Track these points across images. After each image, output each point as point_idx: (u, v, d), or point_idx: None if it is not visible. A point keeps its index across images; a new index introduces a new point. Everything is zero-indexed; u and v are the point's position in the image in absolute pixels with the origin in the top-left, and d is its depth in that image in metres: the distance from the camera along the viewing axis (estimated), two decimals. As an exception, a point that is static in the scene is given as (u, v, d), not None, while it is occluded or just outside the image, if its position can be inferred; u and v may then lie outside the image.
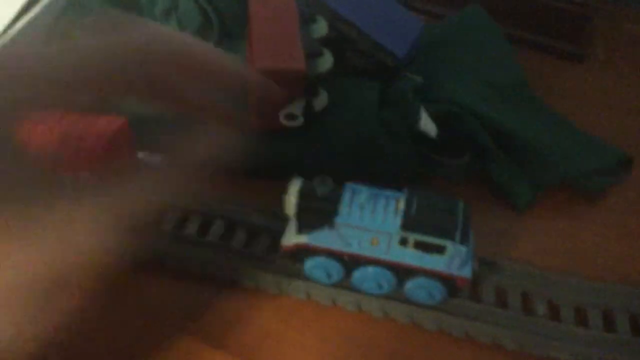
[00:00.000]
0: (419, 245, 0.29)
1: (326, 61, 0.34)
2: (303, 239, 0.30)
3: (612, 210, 0.38)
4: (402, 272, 0.30)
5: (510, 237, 0.36)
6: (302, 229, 0.30)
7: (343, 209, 0.30)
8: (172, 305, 0.32)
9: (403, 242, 0.29)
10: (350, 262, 0.31)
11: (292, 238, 0.31)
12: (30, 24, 0.36)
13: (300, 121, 0.34)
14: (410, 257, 0.30)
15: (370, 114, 0.36)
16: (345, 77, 0.38)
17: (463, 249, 0.29)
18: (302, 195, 0.30)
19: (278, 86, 0.32)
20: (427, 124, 0.36)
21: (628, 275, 0.34)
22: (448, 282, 0.30)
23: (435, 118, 0.37)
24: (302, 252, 0.31)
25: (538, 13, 0.50)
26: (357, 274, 0.31)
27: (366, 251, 0.30)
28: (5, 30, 0.35)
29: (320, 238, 0.30)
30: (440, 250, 0.29)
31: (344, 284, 0.32)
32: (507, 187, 0.38)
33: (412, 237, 0.29)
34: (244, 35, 0.44)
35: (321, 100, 0.36)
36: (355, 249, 0.30)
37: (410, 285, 0.31)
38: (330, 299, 0.32)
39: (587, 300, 0.32)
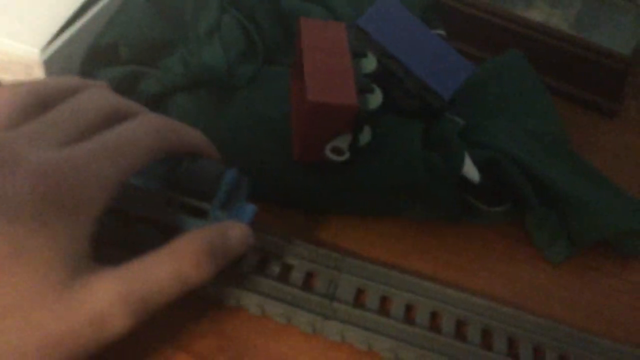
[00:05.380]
0: (184, 207, 0.29)
1: (376, 98, 0.34)
2: None
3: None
4: (171, 235, 0.29)
5: (540, 289, 0.36)
6: None
7: None
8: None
9: (169, 202, 0.29)
10: (125, 220, 0.30)
11: None
12: (78, 33, 0.35)
13: (346, 156, 0.33)
14: (177, 219, 0.30)
15: (414, 154, 0.36)
16: (388, 115, 0.38)
17: (223, 215, 0.29)
18: None
19: (330, 119, 0.32)
20: (470, 170, 0.36)
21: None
22: None
23: (475, 163, 0.37)
24: None
25: (573, 64, 0.50)
26: (132, 231, 0.31)
27: (137, 209, 0.30)
28: (52, 41, 0.34)
29: None
30: (203, 214, 0.29)
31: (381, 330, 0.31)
32: (544, 240, 0.37)
33: (177, 198, 0.29)
34: (284, 62, 0.44)
35: (365, 137, 0.35)
36: (126, 206, 0.30)
37: None
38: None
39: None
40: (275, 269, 0.34)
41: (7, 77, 0.34)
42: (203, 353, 0.30)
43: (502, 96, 0.44)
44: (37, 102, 0.25)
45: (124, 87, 0.37)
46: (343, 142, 0.34)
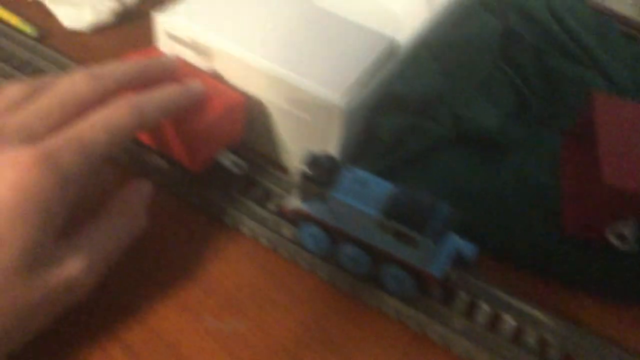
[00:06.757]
0: (395, 234, 0.31)
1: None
2: (300, 205, 0.34)
3: None
4: (378, 257, 0.33)
5: None
6: (301, 196, 0.34)
7: (338, 185, 0.32)
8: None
9: (382, 227, 0.31)
10: (337, 236, 0.34)
11: (293, 203, 0.34)
12: (376, 83, 0.37)
13: (630, 248, 0.32)
14: (386, 244, 0.32)
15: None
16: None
17: (432, 245, 0.30)
18: (307, 165, 0.32)
19: (622, 204, 0.31)
20: None
21: None
22: (418, 276, 0.32)
23: None
24: (298, 218, 0.34)
25: None
26: (341, 249, 0.34)
27: (350, 229, 0.33)
28: (353, 89, 0.37)
29: (315, 208, 0.33)
30: (412, 242, 0.31)
31: None
32: None
33: (390, 225, 0.31)
34: (551, 125, 0.43)
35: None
36: (341, 224, 0.33)
37: (384, 271, 0.33)
38: None
39: None
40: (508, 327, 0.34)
41: (307, 116, 0.37)
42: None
43: None
44: (28, 94, 0.30)
45: (402, 137, 0.38)
46: (627, 228, 0.32)
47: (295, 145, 0.40)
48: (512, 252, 0.37)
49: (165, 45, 0.41)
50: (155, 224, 0.37)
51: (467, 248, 0.34)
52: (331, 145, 0.38)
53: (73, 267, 0.28)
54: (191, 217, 0.38)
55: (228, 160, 0.38)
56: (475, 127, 0.40)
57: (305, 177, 0.33)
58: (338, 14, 0.41)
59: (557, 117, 0.43)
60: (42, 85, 0.31)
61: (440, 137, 0.40)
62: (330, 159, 0.33)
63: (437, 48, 0.42)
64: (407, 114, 0.39)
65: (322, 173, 0.33)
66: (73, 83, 0.30)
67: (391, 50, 0.39)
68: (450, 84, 0.42)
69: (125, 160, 0.40)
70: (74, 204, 0.28)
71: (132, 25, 0.52)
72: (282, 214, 0.36)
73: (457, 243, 0.33)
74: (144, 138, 0.38)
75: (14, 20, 0.49)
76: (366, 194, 0.32)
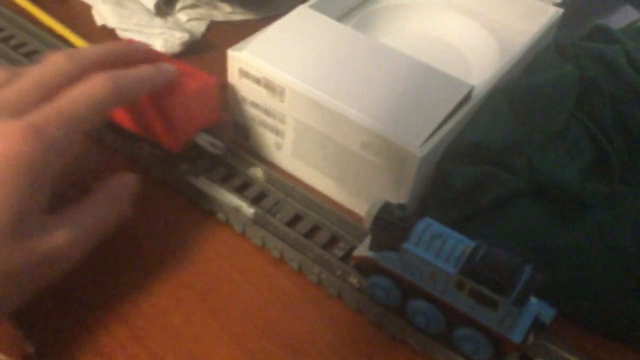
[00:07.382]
0: (474, 294, 0.29)
1: None
2: (371, 255, 0.32)
3: None
4: (452, 316, 0.31)
5: None
6: (373, 245, 0.32)
7: (413, 237, 0.31)
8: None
9: (459, 286, 0.30)
10: (408, 290, 0.32)
11: (363, 251, 0.33)
12: (449, 132, 0.37)
13: None
14: (463, 303, 0.30)
15: None
16: None
17: (515, 310, 0.28)
18: (380, 213, 0.31)
19: None
20: None
21: None
22: (495, 341, 0.30)
23: None
24: (368, 267, 0.33)
25: None
26: (411, 304, 0.32)
27: (423, 284, 0.31)
28: (428, 139, 0.36)
29: (387, 258, 0.32)
30: (493, 304, 0.29)
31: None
32: None
33: (469, 284, 0.29)
34: (629, 181, 0.41)
35: None
36: (414, 278, 0.31)
37: (458, 332, 0.31)
38: None
39: None
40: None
41: (379, 161, 0.36)
42: None
43: None
44: (8, 77, 0.31)
45: (476, 187, 0.37)
46: None
47: (364, 190, 0.39)
48: (593, 318, 0.35)
49: (236, 81, 0.41)
50: (220, 263, 0.37)
51: (546, 311, 0.32)
52: (402, 192, 0.37)
53: (58, 238, 0.29)
54: (254, 258, 0.37)
55: (204, 141, 0.39)
56: (553, 180, 0.38)
57: (377, 226, 0.32)
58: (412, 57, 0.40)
59: (637, 172, 0.41)
60: (22, 70, 0.32)
61: (515, 189, 0.38)
62: (403, 208, 0.32)
63: (512, 95, 0.41)
64: (482, 163, 0.38)
65: (396, 223, 0.32)
66: (51, 64, 0.32)
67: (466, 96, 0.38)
68: (526, 133, 0.40)
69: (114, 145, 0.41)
70: (60, 177, 0.30)
71: (197, 54, 0.52)
72: (350, 261, 0.35)
73: (536, 305, 0.31)
74: (126, 122, 0.39)
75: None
76: (442, 248, 0.30)
